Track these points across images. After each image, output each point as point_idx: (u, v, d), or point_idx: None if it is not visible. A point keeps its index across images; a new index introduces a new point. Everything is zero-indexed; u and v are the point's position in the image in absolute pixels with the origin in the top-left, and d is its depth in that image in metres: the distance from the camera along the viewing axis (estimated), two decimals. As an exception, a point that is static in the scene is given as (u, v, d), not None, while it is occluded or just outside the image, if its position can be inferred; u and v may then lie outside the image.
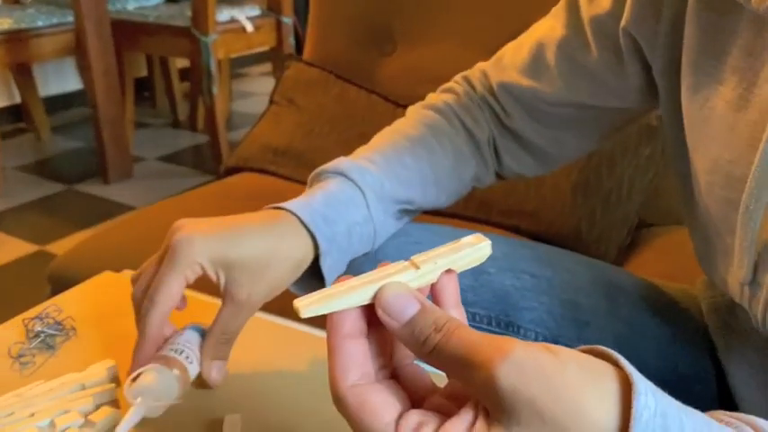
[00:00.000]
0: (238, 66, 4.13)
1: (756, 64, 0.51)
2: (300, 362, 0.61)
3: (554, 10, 0.70)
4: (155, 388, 0.51)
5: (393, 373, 0.35)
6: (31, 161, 2.89)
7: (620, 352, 0.72)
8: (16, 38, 2.49)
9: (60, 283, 1.10)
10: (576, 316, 0.68)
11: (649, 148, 1.20)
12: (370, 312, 0.34)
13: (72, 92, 3.40)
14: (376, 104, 1.47)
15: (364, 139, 0.72)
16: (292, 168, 1.45)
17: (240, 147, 1.55)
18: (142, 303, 0.54)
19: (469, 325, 0.34)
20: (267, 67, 3.93)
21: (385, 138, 0.70)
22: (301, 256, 0.58)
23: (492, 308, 0.64)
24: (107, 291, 0.72)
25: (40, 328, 0.62)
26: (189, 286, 0.55)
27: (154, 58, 3.35)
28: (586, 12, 0.64)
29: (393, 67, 1.48)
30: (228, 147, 2.69)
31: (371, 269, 0.35)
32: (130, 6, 2.76)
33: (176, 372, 0.52)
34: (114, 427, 0.51)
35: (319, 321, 0.65)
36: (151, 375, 0.51)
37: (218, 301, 0.68)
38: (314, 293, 0.33)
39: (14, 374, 0.58)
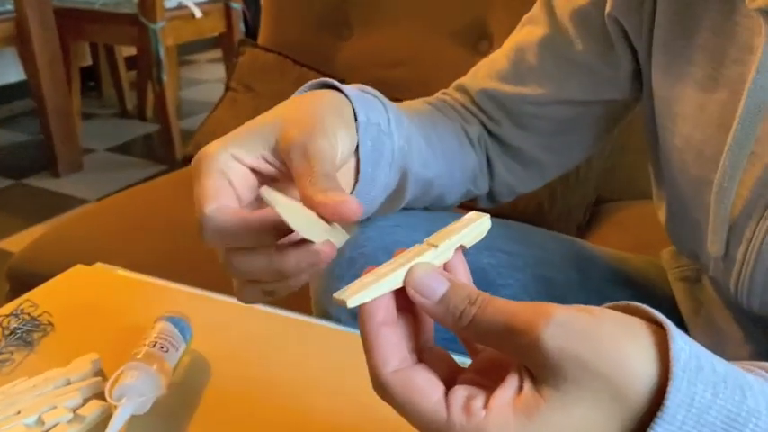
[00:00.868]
0: (185, 52, 4.05)
1: (725, 44, 0.53)
2: (299, 350, 0.62)
3: (525, 18, 0.69)
4: (137, 386, 0.51)
5: (419, 357, 0.36)
6: (-27, 156, 2.80)
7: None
8: (-48, 28, 2.39)
9: (20, 281, 1.08)
10: (550, 291, 0.69)
11: (606, 126, 1.22)
12: (396, 297, 0.35)
13: (13, 83, 3.29)
14: None
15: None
16: None
17: (198, 134, 1.53)
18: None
19: None
20: (215, 53, 3.87)
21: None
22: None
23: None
24: (81, 284, 0.71)
25: (16, 325, 0.61)
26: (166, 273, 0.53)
27: (99, 47, 3.26)
28: (566, 7, 0.64)
29: (351, 52, 1.47)
30: (180, 135, 2.65)
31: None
32: (74, -7, 2.68)
33: (155, 366, 0.53)
34: (104, 419, 0.51)
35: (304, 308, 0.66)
36: (131, 374, 0.52)
37: (188, 289, 0.69)
38: (350, 285, 0.34)
39: (-7, 373, 0.57)
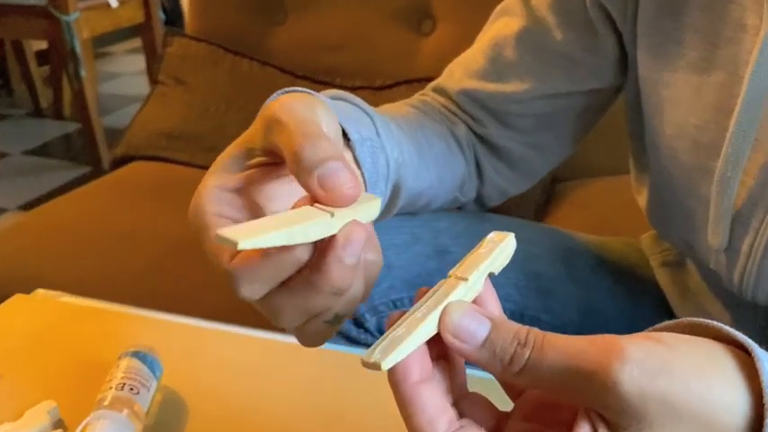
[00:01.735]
0: (100, 44, 3.86)
1: (717, 23, 0.50)
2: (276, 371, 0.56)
3: (499, 9, 0.65)
4: None
5: (459, 409, 0.32)
6: None
7: (582, 317, 0.72)
8: None
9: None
10: (540, 286, 0.67)
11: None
12: (429, 346, 0.31)
13: None
14: (273, 77, 1.41)
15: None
16: (190, 153, 1.36)
17: (128, 133, 1.44)
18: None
19: None
20: (133, 43, 3.71)
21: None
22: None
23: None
24: (23, 317, 0.63)
25: (-49, 375, 0.53)
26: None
27: (6, 42, 3.05)
28: None
29: (287, 37, 1.41)
30: (104, 133, 2.51)
31: None
32: (-26, -14, 2.48)
33: (126, 412, 0.48)
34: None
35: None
36: (100, 425, 0.46)
37: (148, 314, 0.62)
38: (378, 341, 0.30)
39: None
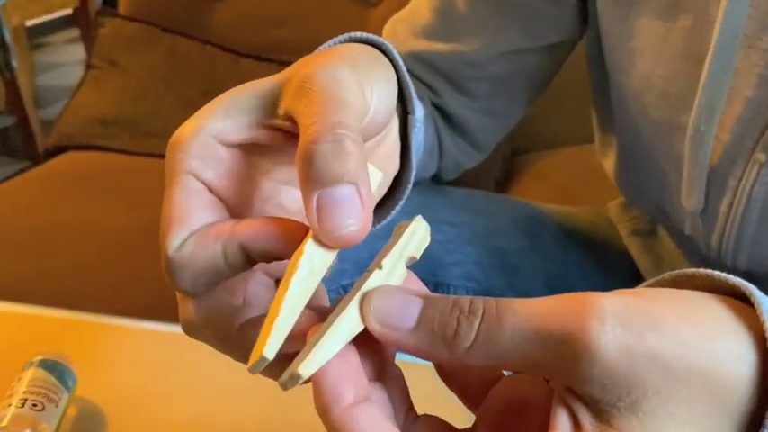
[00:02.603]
0: (37, 34, 3.71)
1: None
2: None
3: None
4: None
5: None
6: None
7: (550, 292, 0.68)
8: None
9: None
10: (504, 261, 0.62)
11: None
12: (363, 362, 0.25)
13: None
14: (213, 57, 1.35)
15: (207, 97, 0.58)
16: (127, 140, 1.30)
17: (60, 122, 1.36)
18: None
19: None
20: (72, 32, 3.58)
21: None
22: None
23: (417, 269, 0.55)
24: None
25: None
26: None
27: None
28: None
29: (227, 13, 1.37)
30: (41, 126, 2.40)
31: None
32: None
33: None
34: None
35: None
36: None
37: (61, 314, 0.55)
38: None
39: None
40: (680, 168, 0.50)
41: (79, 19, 2.67)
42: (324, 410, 0.23)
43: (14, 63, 2.28)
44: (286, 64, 0.57)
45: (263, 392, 0.47)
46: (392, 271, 0.26)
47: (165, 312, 0.56)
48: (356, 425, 0.23)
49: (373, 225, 0.26)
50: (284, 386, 0.23)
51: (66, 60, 3.53)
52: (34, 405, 0.43)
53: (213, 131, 0.28)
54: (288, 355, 0.24)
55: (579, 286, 0.66)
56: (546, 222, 0.67)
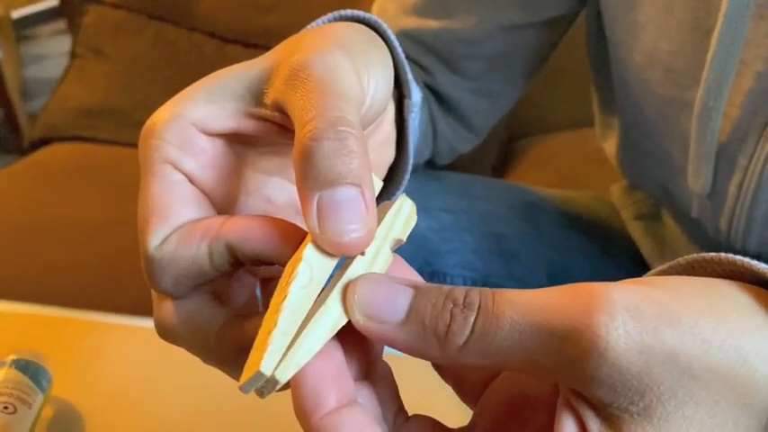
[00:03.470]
0: (23, 26, 3.68)
1: None
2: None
3: None
4: None
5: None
6: None
7: (551, 280, 0.66)
8: None
9: None
10: (503, 248, 0.60)
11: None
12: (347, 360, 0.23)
13: None
14: (201, 43, 1.33)
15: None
16: (114, 131, 1.28)
17: (44, 113, 1.33)
18: None
19: None
20: (59, 24, 3.54)
21: None
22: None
23: (411, 259, 0.52)
24: None
25: None
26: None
27: None
28: None
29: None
30: (28, 119, 2.37)
31: None
32: None
33: None
34: None
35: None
36: None
37: (36, 309, 0.52)
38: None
39: None
40: (686, 148, 0.47)
41: (66, 10, 2.65)
42: (304, 417, 0.21)
43: (0, 55, 2.25)
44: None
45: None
46: (376, 256, 0.23)
47: (151, 309, 0.54)
48: None
49: None
50: (260, 393, 0.21)
51: (53, 52, 3.49)
52: (5, 408, 0.40)
53: (193, 119, 0.26)
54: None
55: (581, 272, 0.64)
56: (546, 207, 0.65)
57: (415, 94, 0.36)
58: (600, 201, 0.69)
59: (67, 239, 0.95)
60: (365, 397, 0.23)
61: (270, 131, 0.26)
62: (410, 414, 0.25)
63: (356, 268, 0.23)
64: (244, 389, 0.21)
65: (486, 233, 0.59)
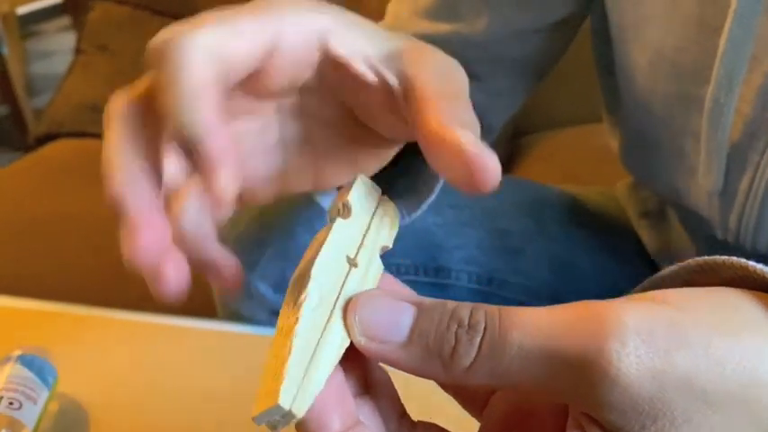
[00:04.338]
0: (29, 23, 3.68)
1: None
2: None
3: None
4: None
5: None
6: None
7: (555, 276, 0.65)
8: None
9: None
10: (507, 244, 0.60)
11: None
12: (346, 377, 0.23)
13: None
14: None
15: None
16: None
17: (49, 109, 1.34)
18: None
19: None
20: (64, 20, 3.55)
21: None
22: None
23: (416, 254, 0.54)
24: None
25: None
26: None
27: None
28: None
29: None
30: (34, 115, 2.37)
31: None
32: None
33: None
34: None
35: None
36: None
37: (41, 305, 0.52)
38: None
39: None
40: (696, 145, 0.47)
41: (70, 6, 2.65)
42: None
43: (6, 51, 2.26)
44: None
45: (254, 389, 0.45)
46: (368, 266, 0.23)
47: (156, 304, 0.54)
48: None
49: (402, 217, 0.24)
50: (273, 427, 0.20)
51: (58, 48, 3.50)
52: (11, 403, 0.40)
53: (209, 40, 0.24)
54: None
55: (586, 269, 0.64)
56: (551, 203, 0.65)
57: None
58: (605, 197, 0.69)
59: (73, 235, 0.95)
60: (367, 414, 0.23)
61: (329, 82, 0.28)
62: (415, 420, 0.24)
63: (351, 281, 0.22)
64: (258, 420, 0.20)
65: (491, 229, 0.59)
